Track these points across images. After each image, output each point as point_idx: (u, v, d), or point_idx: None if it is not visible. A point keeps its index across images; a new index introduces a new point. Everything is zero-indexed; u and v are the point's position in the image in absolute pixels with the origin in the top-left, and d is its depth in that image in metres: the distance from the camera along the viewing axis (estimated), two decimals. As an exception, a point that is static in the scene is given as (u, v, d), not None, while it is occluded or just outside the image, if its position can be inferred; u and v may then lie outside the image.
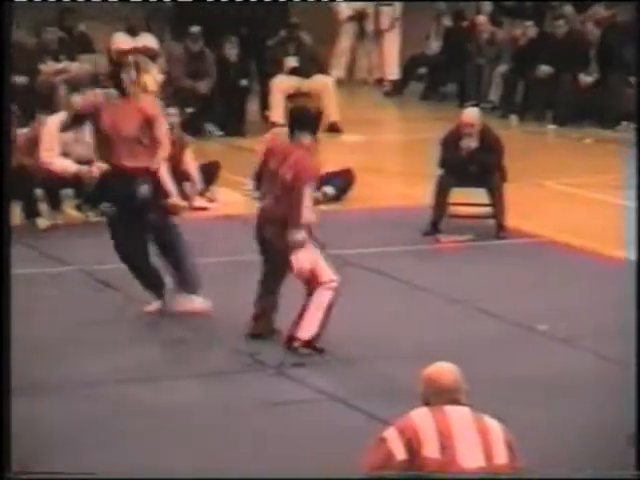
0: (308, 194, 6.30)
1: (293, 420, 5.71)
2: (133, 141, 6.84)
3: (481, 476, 3.62)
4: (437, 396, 3.74)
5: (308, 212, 6.28)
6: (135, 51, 12.74)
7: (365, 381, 6.18)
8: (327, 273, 6.37)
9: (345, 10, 14.31)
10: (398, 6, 14.51)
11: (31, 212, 9.05)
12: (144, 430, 5.56)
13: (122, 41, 12.76)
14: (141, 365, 6.36)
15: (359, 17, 14.38)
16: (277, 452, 5.30)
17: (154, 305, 7.00)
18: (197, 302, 6.97)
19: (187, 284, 6.98)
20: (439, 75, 14.23)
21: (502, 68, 13.52)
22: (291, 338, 6.42)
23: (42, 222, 9.01)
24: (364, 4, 14.34)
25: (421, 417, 3.70)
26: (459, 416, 3.70)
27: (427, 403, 3.77)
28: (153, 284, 6.99)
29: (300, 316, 6.39)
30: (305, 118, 6.43)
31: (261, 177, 6.60)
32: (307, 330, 6.37)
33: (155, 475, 4.89)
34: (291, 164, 6.33)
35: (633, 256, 7.53)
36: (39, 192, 9.17)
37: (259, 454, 5.29)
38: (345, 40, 14.39)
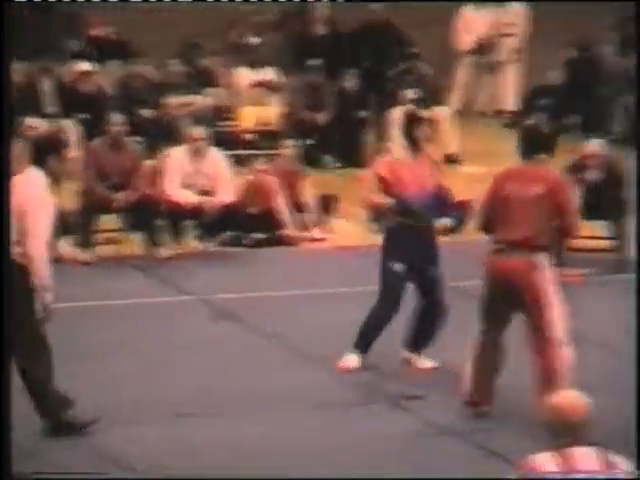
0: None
1: (406, 453, 5.65)
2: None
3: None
4: (562, 428, 3.65)
5: None
6: (256, 85, 12.96)
7: (483, 415, 6.08)
8: None
9: (468, 43, 14.26)
10: (520, 37, 14.39)
11: (153, 242, 9.24)
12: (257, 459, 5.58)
13: (244, 75, 12.96)
14: (257, 394, 6.40)
15: (480, 50, 14.31)
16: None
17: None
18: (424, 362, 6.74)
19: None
20: (562, 106, 14.04)
21: (627, 99, 13.26)
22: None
23: (164, 252, 9.17)
24: (488, 35, 14.26)
25: (545, 463, 3.61)
26: (586, 460, 3.60)
27: (551, 430, 3.68)
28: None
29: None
30: (539, 138, 6.01)
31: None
32: None
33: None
34: (538, 180, 5.83)
35: None
36: (161, 222, 9.36)
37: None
38: (464, 72, 14.34)
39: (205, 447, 5.66)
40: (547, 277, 5.82)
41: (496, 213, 6.07)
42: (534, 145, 5.97)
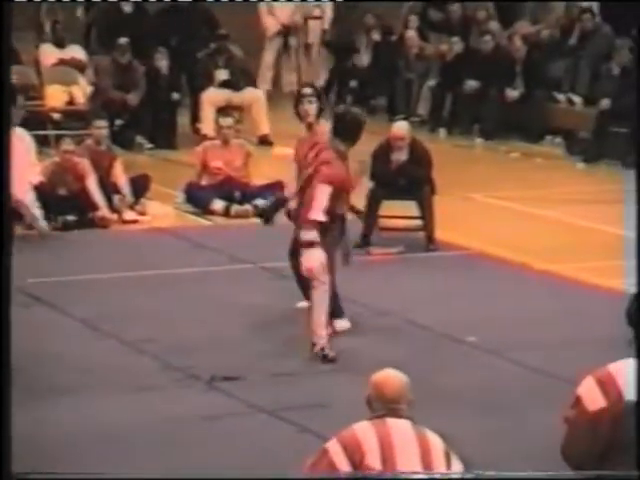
0: (324, 192, 6.15)
1: (222, 433, 5.70)
2: None
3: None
4: (379, 402, 3.81)
5: (319, 210, 6.14)
6: (63, 63, 12.64)
7: (297, 394, 6.20)
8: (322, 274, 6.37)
9: (273, 26, 14.37)
10: (327, 19, 14.60)
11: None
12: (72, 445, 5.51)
13: (49, 53, 12.63)
14: (71, 379, 6.31)
15: (285, 32, 14.46)
16: (206, 465, 5.28)
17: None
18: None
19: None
20: (368, 88, 14.36)
21: (430, 82, 13.69)
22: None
23: (-32, 235, 8.87)
24: (292, 18, 14.41)
25: (364, 430, 3.76)
26: (401, 430, 3.77)
27: (369, 404, 3.84)
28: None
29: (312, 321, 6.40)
30: (347, 127, 6.32)
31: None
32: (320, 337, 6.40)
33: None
34: (316, 161, 6.29)
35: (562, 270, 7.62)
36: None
37: (188, 467, 5.28)
38: (270, 54, 14.46)
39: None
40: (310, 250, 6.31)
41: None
42: (338, 131, 6.26)
